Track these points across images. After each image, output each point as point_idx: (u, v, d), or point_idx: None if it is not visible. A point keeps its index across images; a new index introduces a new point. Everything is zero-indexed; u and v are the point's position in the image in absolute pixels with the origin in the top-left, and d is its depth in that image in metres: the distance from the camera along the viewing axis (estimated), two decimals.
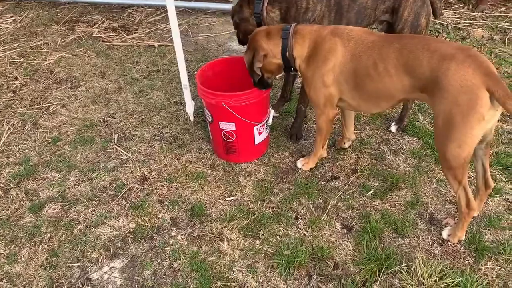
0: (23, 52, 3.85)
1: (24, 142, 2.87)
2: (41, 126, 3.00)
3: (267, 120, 2.53)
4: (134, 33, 4.08)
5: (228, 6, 4.31)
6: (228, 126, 2.41)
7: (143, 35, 4.05)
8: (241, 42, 2.63)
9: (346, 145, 2.62)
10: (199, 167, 2.56)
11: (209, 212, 2.26)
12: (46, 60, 3.72)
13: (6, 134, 2.94)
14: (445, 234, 2.05)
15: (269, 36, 2.23)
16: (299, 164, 2.50)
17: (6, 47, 3.91)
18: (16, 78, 3.52)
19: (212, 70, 2.61)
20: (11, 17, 4.39)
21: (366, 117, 2.88)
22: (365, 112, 2.67)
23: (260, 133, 2.50)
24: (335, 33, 2.09)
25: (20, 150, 2.80)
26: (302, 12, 2.39)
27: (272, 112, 2.57)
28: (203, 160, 2.61)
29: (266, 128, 2.55)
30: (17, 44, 3.96)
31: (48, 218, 2.28)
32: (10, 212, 2.34)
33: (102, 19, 4.30)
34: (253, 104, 2.36)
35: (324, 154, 2.53)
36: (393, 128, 2.74)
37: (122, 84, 3.38)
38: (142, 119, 3.00)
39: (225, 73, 2.59)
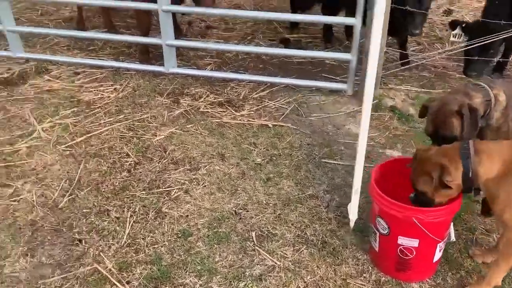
0: (130, 125, 3.69)
1: (151, 234, 2.60)
2: (166, 216, 2.74)
3: (449, 236, 2.20)
4: (242, 109, 3.91)
5: (335, 85, 4.12)
6: (409, 242, 2.09)
7: (252, 112, 3.86)
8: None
9: None
10: (362, 284, 2.22)
11: None
12: (156, 136, 3.54)
13: (129, 223, 2.69)
14: None
15: (447, 157, 2.00)
16: None
17: (112, 119, 3.77)
18: (127, 155, 3.33)
19: (385, 172, 2.33)
20: (112, 85, 4.30)
21: None
22: None
23: (440, 250, 2.17)
24: None
25: (148, 244, 2.53)
26: None
27: (452, 227, 2.24)
28: (364, 275, 2.28)
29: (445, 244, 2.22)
30: (123, 116, 3.81)
31: None
32: None
33: (206, 92, 4.16)
34: (443, 219, 2.05)
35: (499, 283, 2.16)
36: None
37: (245, 169, 3.14)
38: (279, 214, 2.71)
39: (398, 175, 2.30)
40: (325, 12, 4.98)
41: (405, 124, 3.63)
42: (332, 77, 4.45)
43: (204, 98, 4.08)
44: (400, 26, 3.85)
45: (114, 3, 4.59)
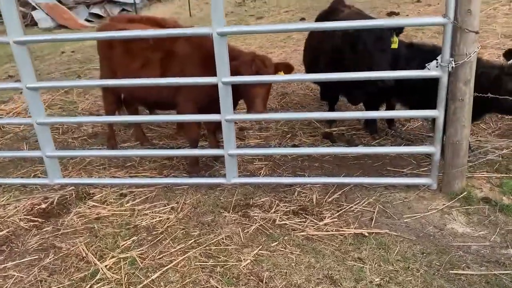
0: (207, 251, 3.22)
1: None
2: None
3: None
4: (323, 217, 3.53)
5: (419, 180, 3.81)
6: None
7: (336, 219, 3.49)
8: None
9: None
10: None
11: None
12: (241, 261, 3.08)
13: None
14: None
15: None
16: None
17: (182, 246, 3.30)
18: None
19: None
20: (167, 204, 3.87)
21: None
22: None
23: None
24: None
25: None
26: None
27: None
28: None
29: None
30: (193, 240, 3.36)
31: None
32: None
33: (274, 201, 3.79)
34: None
35: None
36: None
37: None
38: None
39: None
40: (369, 105, 4.88)
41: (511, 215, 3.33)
42: (399, 170, 4.19)
43: (275, 208, 3.70)
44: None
45: (167, 118, 4.35)
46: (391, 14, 11.03)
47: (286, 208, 3.69)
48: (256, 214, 3.63)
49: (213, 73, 3.56)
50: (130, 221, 3.66)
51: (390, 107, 5.04)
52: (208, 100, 3.93)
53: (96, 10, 17.34)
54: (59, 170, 4.18)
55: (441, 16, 3.15)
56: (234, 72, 3.65)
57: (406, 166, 4.26)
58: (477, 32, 3.12)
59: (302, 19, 11.89)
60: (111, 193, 4.10)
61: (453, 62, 3.19)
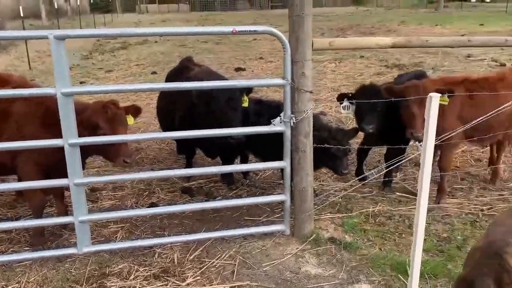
0: None
1: None
2: None
3: None
4: (185, 277, 3.45)
5: (274, 227, 4.01)
6: None
7: (199, 277, 3.45)
8: None
9: None
10: None
11: None
12: None
13: None
14: None
15: None
16: None
17: None
18: None
19: None
20: (5, 286, 3.35)
21: None
22: None
23: None
24: None
25: None
26: None
27: None
28: None
29: None
30: None
31: None
32: None
33: (133, 266, 3.58)
34: None
35: None
36: None
37: None
38: None
39: None
40: (225, 157, 5.07)
41: (354, 252, 3.71)
42: (256, 219, 4.38)
43: (135, 274, 3.50)
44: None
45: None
46: (238, 69, 11.83)
47: (147, 273, 3.52)
48: (113, 284, 3.38)
49: (57, 130, 3.30)
50: None
51: (245, 158, 5.32)
52: (53, 161, 3.62)
53: None
54: None
55: (281, 78, 3.51)
56: (86, 124, 3.47)
57: (262, 214, 4.47)
58: (311, 92, 3.54)
59: (154, 72, 11.97)
60: None
61: (294, 118, 3.53)
